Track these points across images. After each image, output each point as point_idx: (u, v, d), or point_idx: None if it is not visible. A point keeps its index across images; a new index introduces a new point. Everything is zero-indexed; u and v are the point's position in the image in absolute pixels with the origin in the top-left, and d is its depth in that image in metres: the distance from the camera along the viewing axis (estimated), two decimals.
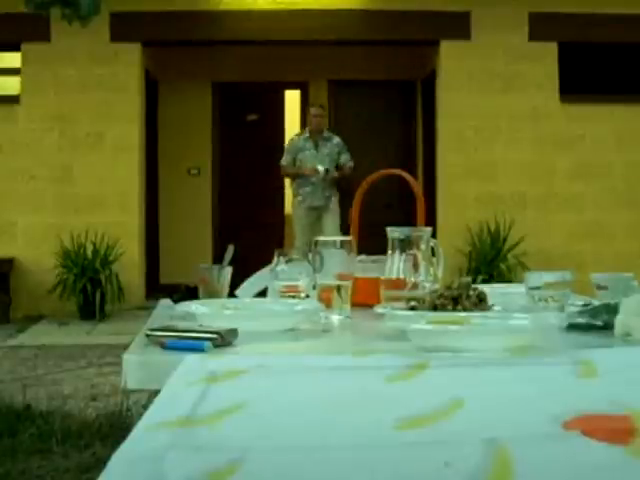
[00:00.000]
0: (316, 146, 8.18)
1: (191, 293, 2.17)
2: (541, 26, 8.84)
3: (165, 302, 2.21)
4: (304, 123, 10.67)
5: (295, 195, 8.34)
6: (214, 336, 1.45)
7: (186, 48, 9.66)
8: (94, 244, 8.31)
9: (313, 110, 8.36)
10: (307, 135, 8.28)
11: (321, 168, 8.06)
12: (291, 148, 8.32)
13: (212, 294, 2.10)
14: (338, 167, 8.28)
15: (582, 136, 8.85)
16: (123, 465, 0.83)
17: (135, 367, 1.41)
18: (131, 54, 8.76)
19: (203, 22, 8.81)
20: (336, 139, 8.33)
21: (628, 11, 8.82)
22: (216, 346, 1.43)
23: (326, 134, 8.33)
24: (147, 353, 1.46)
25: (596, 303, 1.82)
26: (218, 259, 2.31)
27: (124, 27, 8.69)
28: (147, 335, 1.53)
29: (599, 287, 2.08)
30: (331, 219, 8.08)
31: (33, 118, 8.65)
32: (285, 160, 8.29)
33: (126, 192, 8.74)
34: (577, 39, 8.90)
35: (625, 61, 9.23)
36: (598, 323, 1.66)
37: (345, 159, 8.30)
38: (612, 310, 1.63)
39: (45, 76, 8.64)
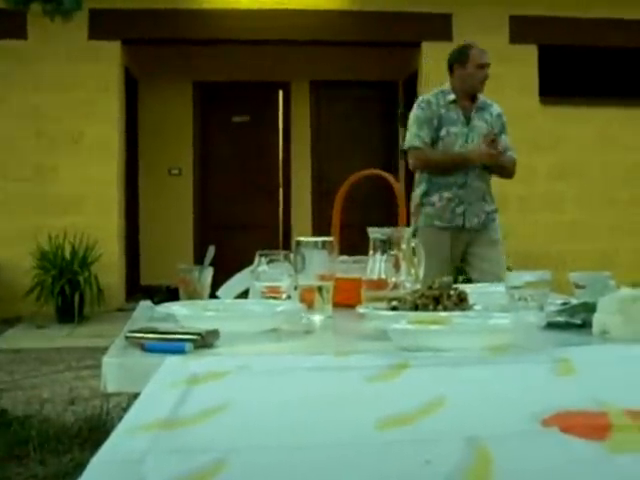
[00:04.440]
0: (467, 119, 4.55)
1: (172, 294, 2.17)
2: (522, 29, 8.89)
3: (145, 304, 2.20)
4: (287, 124, 10.72)
5: (421, 205, 4.58)
6: (195, 337, 1.45)
7: (167, 47, 9.62)
8: (73, 245, 8.23)
9: (478, 55, 4.61)
10: (453, 97, 4.56)
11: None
12: (426, 117, 4.52)
13: (193, 295, 2.10)
14: None
15: (562, 137, 8.89)
16: (102, 469, 0.83)
17: (114, 370, 1.40)
18: (111, 52, 8.71)
19: (184, 20, 8.78)
20: (496, 107, 4.69)
21: (608, 15, 8.88)
22: (197, 347, 1.43)
23: (481, 99, 4.64)
24: (127, 355, 1.45)
25: (574, 302, 1.83)
26: (199, 260, 2.30)
27: (103, 25, 8.64)
28: (127, 337, 1.53)
29: (577, 286, 2.09)
30: (493, 251, 4.60)
31: (10, 117, 8.57)
32: (419, 139, 4.50)
33: (105, 192, 8.68)
34: (557, 42, 8.96)
35: (604, 64, 9.29)
36: (576, 322, 1.67)
37: (507, 143, 4.62)
38: (590, 309, 1.64)
39: (22, 74, 8.53)
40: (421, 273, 2.04)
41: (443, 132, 4.50)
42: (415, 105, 4.60)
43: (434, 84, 8.94)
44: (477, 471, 0.79)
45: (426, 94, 4.69)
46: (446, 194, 4.47)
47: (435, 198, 4.50)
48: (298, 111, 10.54)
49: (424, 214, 4.53)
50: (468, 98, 4.57)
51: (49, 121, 8.57)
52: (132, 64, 9.47)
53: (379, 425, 0.90)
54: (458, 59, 4.63)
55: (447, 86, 4.63)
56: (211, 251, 2.25)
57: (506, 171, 4.62)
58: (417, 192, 4.58)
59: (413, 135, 4.53)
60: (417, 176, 4.63)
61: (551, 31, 8.87)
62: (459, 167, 4.45)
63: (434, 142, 4.50)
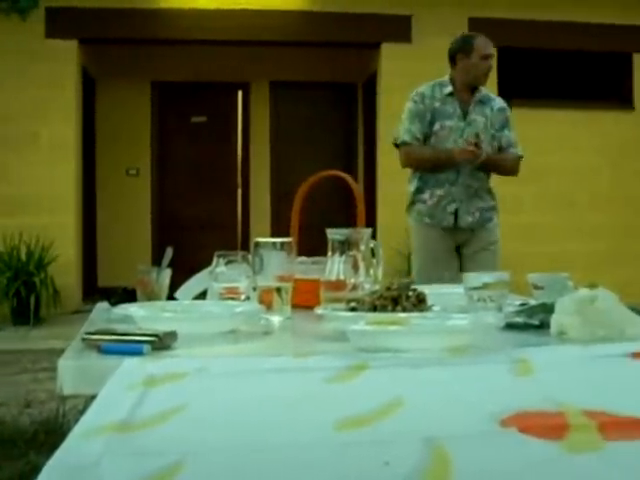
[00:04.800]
0: (464, 113, 4.29)
1: (129, 296, 2.15)
2: (481, 31, 8.89)
3: (102, 305, 2.18)
4: (246, 125, 10.69)
5: (413, 202, 4.43)
6: (153, 339, 1.44)
7: (125, 46, 9.54)
8: (28, 246, 8.12)
9: (483, 45, 4.35)
10: (450, 90, 4.31)
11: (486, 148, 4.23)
12: (419, 111, 4.30)
13: (151, 297, 2.09)
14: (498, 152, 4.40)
15: (520, 140, 8.95)
16: (57, 473, 0.82)
17: (71, 372, 1.38)
18: (67, 51, 8.61)
19: (142, 20, 8.72)
20: (498, 102, 4.41)
21: (567, 18, 8.98)
22: (155, 349, 1.42)
23: (482, 92, 4.37)
24: (83, 358, 1.43)
25: (533, 303, 1.85)
26: (157, 261, 2.29)
27: (60, 23, 8.54)
28: (83, 339, 1.51)
29: (536, 287, 2.11)
30: (488, 255, 4.34)
31: None
32: (410, 134, 4.30)
33: (62, 193, 8.59)
34: (516, 44, 9.02)
35: (563, 67, 9.40)
36: (535, 322, 1.69)
37: (511, 139, 4.39)
38: (548, 309, 1.65)
39: None
40: (380, 274, 2.04)
41: (437, 126, 4.30)
42: (409, 98, 4.39)
43: (393, 85, 9.06)
44: (435, 472, 0.79)
45: (422, 86, 4.42)
46: (438, 191, 4.29)
47: (426, 195, 4.33)
48: (257, 112, 10.52)
49: (415, 211, 4.39)
50: (468, 91, 4.33)
51: (4, 120, 8.45)
52: (90, 63, 9.39)
53: (338, 426, 0.90)
54: (462, 49, 4.35)
55: (445, 77, 4.38)
56: (169, 252, 2.24)
57: (503, 169, 4.42)
58: (409, 189, 4.43)
59: (404, 130, 4.34)
60: (409, 173, 4.46)
61: (510, 33, 8.94)
62: (445, 165, 4.24)
63: (428, 137, 4.31)
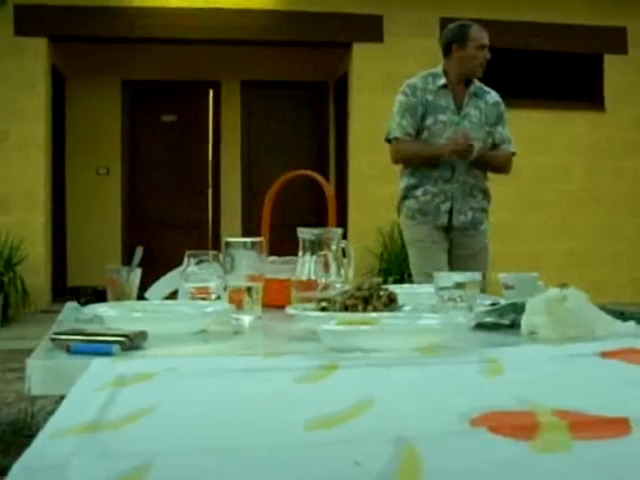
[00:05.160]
0: (459, 106, 4.11)
1: (99, 296, 2.14)
2: None
3: (72, 305, 2.17)
4: (217, 123, 10.66)
5: (405, 198, 4.23)
6: (122, 339, 1.43)
7: (96, 44, 9.50)
8: None
9: (479, 34, 4.15)
10: (444, 81, 4.11)
11: (477, 144, 4.04)
12: (411, 104, 4.10)
13: (121, 296, 2.08)
14: (492, 148, 4.22)
15: None
16: (25, 474, 0.81)
17: (39, 372, 1.37)
18: (37, 49, 8.55)
19: (113, 18, 8.67)
20: (493, 95, 4.22)
21: (538, 19, 9.04)
22: (125, 349, 1.41)
23: (476, 84, 4.18)
24: (52, 358, 1.42)
25: (503, 303, 1.86)
26: (127, 261, 2.28)
27: (29, 21, 8.48)
28: (52, 339, 1.50)
29: (506, 287, 2.12)
30: (475, 262, 4.05)
31: None
32: (400, 129, 4.11)
33: (31, 191, 8.53)
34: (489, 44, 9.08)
35: (535, 68, 9.45)
36: (505, 322, 1.69)
37: (504, 135, 4.22)
38: (519, 309, 1.66)
39: None
40: (351, 274, 2.04)
41: (430, 120, 4.07)
42: (400, 90, 4.17)
43: (365, 85, 9.09)
44: (406, 471, 0.79)
45: (413, 77, 4.19)
46: (431, 189, 4.08)
47: (419, 192, 4.12)
48: (228, 111, 10.50)
49: (406, 207, 4.18)
50: (462, 83, 4.12)
51: None
52: (59, 61, 9.32)
53: (308, 426, 0.90)
54: (457, 39, 4.11)
55: (438, 68, 4.15)
56: (139, 252, 2.23)
57: (495, 167, 4.24)
58: (401, 185, 4.23)
59: (395, 125, 4.12)
60: (400, 168, 4.25)
61: None
62: (435, 161, 4.03)
63: (420, 131, 4.09)
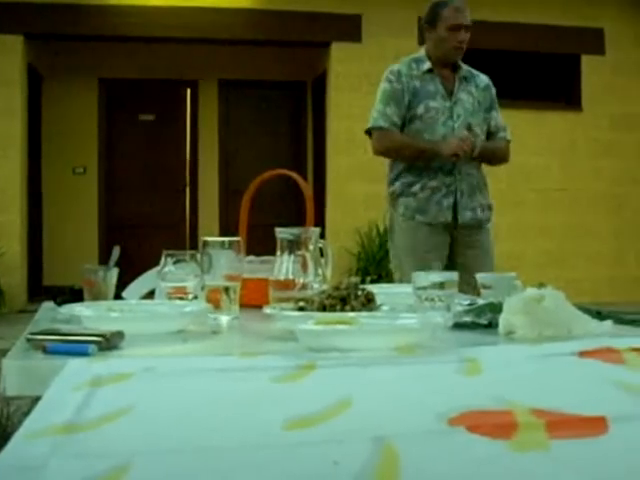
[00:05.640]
0: (448, 91, 3.76)
1: (76, 295, 2.13)
2: None
3: (48, 305, 2.16)
4: (195, 123, 10.63)
5: (399, 195, 3.79)
6: (99, 339, 1.42)
7: (73, 43, 9.45)
8: None
9: (451, 14, 3.72)
10: (428, 65, 3.78)
11: (478, 141, 3.71)
12: (395, 91, 3.74)
13: (98, 296, 2.07)
14: (487, 137, 3.89)
15: None
16: (2, 475, 0.80)
17: (15, 373, 1.36)
18: (13, 46, 8.50)
19: (90, 16, 8.63)
20: (483, 78, 3.91)
21: (516, 19, 9.09)
22: (101, 349, 1.40)
23: (465, 68, 3.87)
24: (28, 358, 1.41)
25: (481, 302, 1.86)
26: (104, 260, 2.27)
27: (5, 18, 8.43)
28: (28, 339, 1.49)
29: (484, 286, 2.13)
30: (481, 264, 3.63)
31: None
32: (384, 118, 3.74)
33: (7, 190, 8.47)
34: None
35: (512, 68, 9.49)
36: (483, 322, 1.70)
37: (499, 122, 3.91)
38: (496, 309, 1.66)
39: None
40: (329, 274, 2.04)
41: (421, 109, 3.68)
42: (383, 77, 3.79)
43: (343, 84, 9.09)
44: (384, 470, 0.79)
45: (396, 64, 3.83)
46: (430, 182, 3.66)
47: (417, 188, 3.68)
48: (206, 110, 10.48)
49: (403, 205, 3.72)
50: (447, 67, 3.75)
51: None
52: (36, 60, 9.26)
53: (286, 426, 0.90)
54: (428, 19, 3.76)
55: (421, 52, 3.81)
56: (116, 251, 2.22)
57: (497, 158, 3.91)
58: (391, 178, 3.79)
59: (378, 113, 3.72)
60: (390, 162, 3.82)
61: None
62: (428, 159, 3.64)
63: (409, 121, 3.69)
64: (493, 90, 3.91)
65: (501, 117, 3.91)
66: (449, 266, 3.58)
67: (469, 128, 3.64)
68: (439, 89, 3.73)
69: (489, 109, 3.85)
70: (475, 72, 3.89)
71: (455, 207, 3.69)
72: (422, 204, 3.69)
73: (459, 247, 3.77)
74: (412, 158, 3.71)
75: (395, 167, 3.80)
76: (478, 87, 3.83)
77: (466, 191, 3.71)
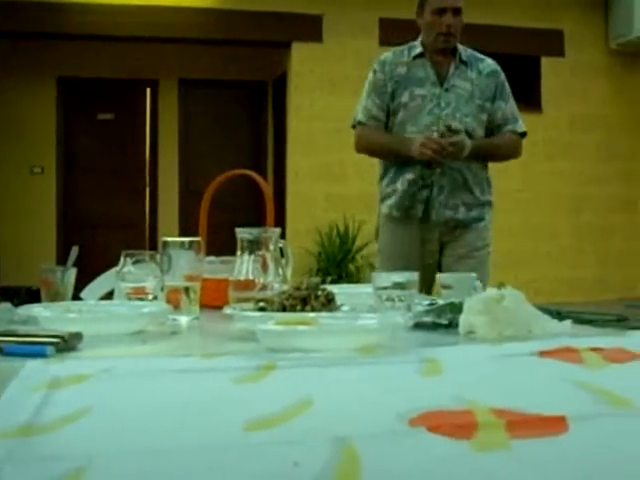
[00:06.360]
0: (441, 77, 3.47)
1: (33, 296, 2.11)
2: (392, 32, 9.04)
3: (5, 306, 2.13)
4: (155, 122, 10.57)
5: (386, 196, 3.57)
6: (57, 340, 1.41)
7: (30, 41, 9.35)
8: None
9: None
10: (419, 51, 3.51)
11: (468, 142, 3.34)
12: (377, 82, 3.51)
13: (55, 297, 2.05)
14: (491, 130, 3.56)
15: None
16: None
17: None
18: None
19: (48, 14, 8.54)
20: (489, 63, 3.59)
21: (476, 21, 9.10)
22: (59, 351, 1.39)
23: (468, 52, 3.56)
24: None
25: (441, 302, 1.87)
26: (62, 261, 2.24)
27: None
28: None
29: (444, 286, 2.13)
30: (465, 265, 3.38)
31: None
32: (365, 112, 3.54)
33: None
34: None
35: None
36: (443, 322, 1.70)
37: (507, 113, 3.57)
38: (457, 309, 1.67)
39: None
40: (289, 274, 2.04)
41: (405, 97, 3.41)
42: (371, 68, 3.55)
43: (304, 84, 9.09)
44: (345, 471, 0.79)
45: (389, 52, 3.56)
46: (408, 175, 3.42)
47: (398, 184, 3.46)
48: (166, 110, 10.43)
49: (386, 205, 3.53)
50: (441, 53, 3.46)
51: None
52: None
53: (247, 427, 0.89)
54: (418, 4, 3.49)
55: (419, 39, 3.54)
56: (74, 251, 2.19)
57: (499, 156, 3.63)
58: (380, 175, 3.59)
59: (360, 107, 3.53)
60: (380, 161, 3.61)
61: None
62: (403, 157, 3.38)
63: (394, 112, 3.45)
64: (501, 76, 3.55)
65: (512, 107, 3.55)
66: (428, 267, 3.35)
67: (449, 129, 3.33)
68: (429, 75, 3.45)
69: (493, 98, 3.50)
70: (480, 56, 3.56)
71: (428, 202, 3.42)
72: (400, 199, 3.46)
73: (445, 249, 3.51)
74: (386, 156, 3.53)
75: (382, 163, 3.59)
76: (481, 73, 3.50)
77: (447, 187, 3.41)
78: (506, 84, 3.56)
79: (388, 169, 3.53)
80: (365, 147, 3.57)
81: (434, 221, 3.43)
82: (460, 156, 3.32)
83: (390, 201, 3.51)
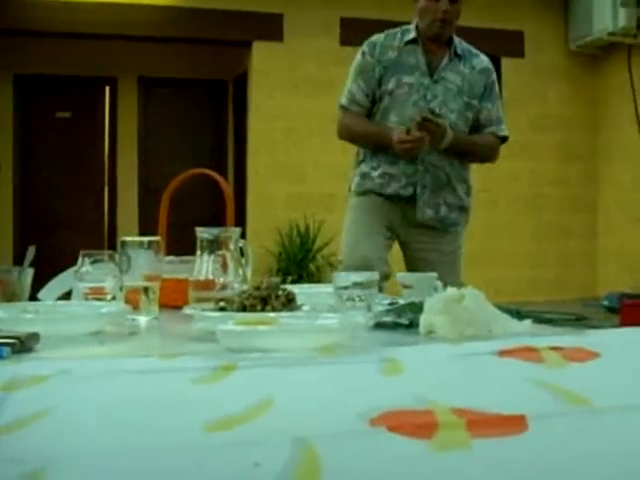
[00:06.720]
0: (432, 67, 3.35)
1: None
2: (352, 31, 9.06)
3: None
4: (114, 121, 10.49)
5: (356, 182, 3.49)
6: (13, 341, 1.39)
7: None
8: None
9: None
10: (412, 36, 3.37)
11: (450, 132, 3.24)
12: (364, 65, 3.39)
13: (12, 297, 2.03)
14: (474, 129, 3.46)
15: None
16: None
17: None
18: None
19: (5, 10, 8.44)
20: (482, 60, 3.45)
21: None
22: (15, 352, 1.37)
23: (464, 45, 3.44)
24: None
25: (402, 302, 1.87)
26: (19, 261, 2.22)
27: None
28: None
29: (405, 286, 2.14)
30: (447, 267, 3.31)
31: None
32: (348, 96, 3.42)
33: None
34: None
35: None
36: (404, 321, 1.70)
37: (491, 114, 3.46)
38: (417, 309, 1.67)
39: None
40: (249, 274, 2.03)
41: (392, 83, 3.27)
42: (360, 50, 3.42)
43: (264, 84, 9.08)
44: (305, 472, 0.79)
45: (381, 33, 3.42)
46: (390, 169, 3.31)
47: (375, 174, 3.34)
48: (125, 108, 10.36)
49: (356, 184, 3.42)
50: (435, 42, 3.32)
51: None
52: None
53: (207, 427, 0.89)
54: None
55: (413, 23, 3.38)
56: (31, 251, 2.17)
57: (476, 156, 3.51)
58: (355, 163, 3.49)
59: (345, 91, 3.39)
60: (356, 147, 3.50)
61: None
62: (384, 147, 3.26)
63: (379, 99, 3.32)
64: (493, 76, 3.44)
65: (498, 110, 3.45)
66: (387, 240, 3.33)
67: (433, 112, 3.21)
68: (420, 63, 3.31)
69: (481, 97, 3.38)
70: (475, 51, 3.44)
71: (413, 201, 3.32)
72: (378, 189, 3.35)
73: (411, 244, 3.43)
74: (366, 145, 3.40)
75: (361, 152, 3.47)
76: (474, 69, 3.37)
77: (429, 185, 3.30)
78: (496, 85, 3.46)
79: (365, 158, 3.43)
80: (346, 134, 3.46)
81: (418, 219, 3.35)
82: (440, 144, 3.21)
83: (364, 183, 3.40)
